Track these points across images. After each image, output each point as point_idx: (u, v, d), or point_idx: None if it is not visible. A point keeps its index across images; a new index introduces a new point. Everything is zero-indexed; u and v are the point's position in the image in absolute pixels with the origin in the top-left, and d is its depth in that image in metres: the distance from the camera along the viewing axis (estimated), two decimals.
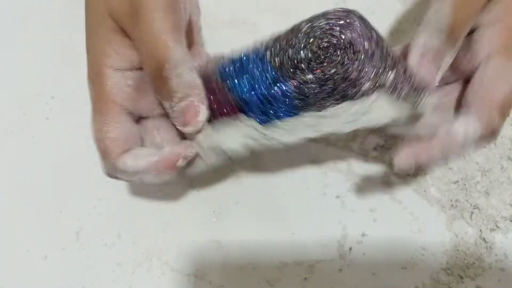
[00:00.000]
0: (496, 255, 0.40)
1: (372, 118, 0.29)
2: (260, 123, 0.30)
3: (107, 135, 0.31)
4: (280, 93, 0.29)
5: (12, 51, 0.44)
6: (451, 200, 0.41)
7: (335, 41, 0.28)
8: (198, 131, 0.30)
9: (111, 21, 0.31)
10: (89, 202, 0.40)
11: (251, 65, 0.30)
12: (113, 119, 0.31)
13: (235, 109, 0.30)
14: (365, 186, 0.42)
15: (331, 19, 0.29)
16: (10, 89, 0.42)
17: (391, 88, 0.29)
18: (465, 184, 0.41)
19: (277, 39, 0.30)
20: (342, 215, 0.41)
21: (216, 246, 0.40)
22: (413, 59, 0.31)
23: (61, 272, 0.38)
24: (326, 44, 0.28)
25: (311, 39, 0.29)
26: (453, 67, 0.33)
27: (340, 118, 0.29)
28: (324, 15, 0.29)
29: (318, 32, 0.29)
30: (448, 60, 0.31)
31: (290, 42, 0.29)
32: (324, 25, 0.29)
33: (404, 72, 0.30)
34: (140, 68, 0.32)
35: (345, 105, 0.29)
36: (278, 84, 0.29)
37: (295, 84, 0.28)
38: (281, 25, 0.45)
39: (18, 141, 0.41)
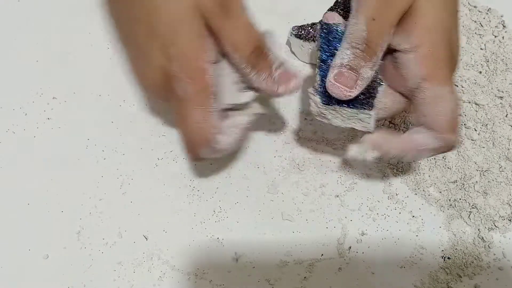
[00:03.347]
0: (494, 254, 0.40)
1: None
2: (322, 103, 0.35)
3: (211, 123, 0.34)
4: None
5: (13, 51, 0.44)
6: (449, 200, 0.42)
7: None
8: (292, 92, 0.35)
9: (200, 16, 0.33)
10: (90, 202, 0.40)
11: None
12: (214, 109, 0.34)
13: None
14: (364, 185, 0.42)
15: None
16: (12, 89, 0.43)
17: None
18: (463, 184, 0.41)
19: None
20: (341, 214, 0.41)
21: (216, 246, 0.40)
22: (329, 80, 0.35)
23: (62, 271, 0.38)
24: None
25: None
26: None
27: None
28: None
29: None
30: (366, 72, 0.34)
31: None
32: None
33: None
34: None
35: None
36: None
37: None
38: (281, 25, 0.46)
39: (19, 141, 0.41)
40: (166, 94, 0.35)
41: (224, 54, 0.35)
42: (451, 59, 0.35)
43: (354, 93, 0.34)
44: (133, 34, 0.36)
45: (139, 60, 0.37)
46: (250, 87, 0.36)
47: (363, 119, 0.35)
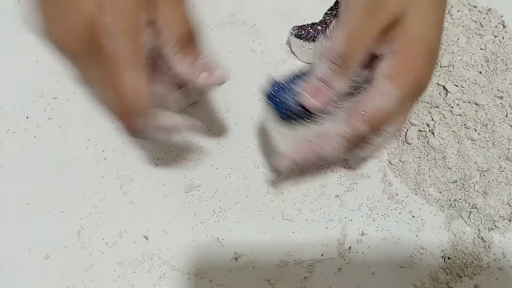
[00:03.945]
0: (494, 254, 0.40)
1: None
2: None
3: (143, 89, 0.32)
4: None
5: (14, 52, 0.44)
6: (449, 200, 0.42)
7: None
8: (215, 83, 0.34)
9: None
10: (91, 202, 0.40)
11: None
12: (146, 75, 0.32)
13: None
14: (364, 185, 0.42)
15: None
16: (12, 89, 0.43)
17: None
18: (463, 184, 0.41)
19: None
20: (341, 214, 0.41)
21: (216, 246, 0.40)
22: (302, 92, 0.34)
23: (63, 271, 0.38)
24: None
25: None
26: None
27: None
28: None
29: None
30: (339, 84, 0.34)
31: None
32: None
33: None
34: None
35: None
36: None
37: None
38: (281, 25, 0.46)
39: (20, 142, 0.41)
40: (86, 49, 0.32)
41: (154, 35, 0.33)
42: (422, 76, 0.34)
43: (319, 105, 0.34)
44: None
45: (60, 2, 0.32)
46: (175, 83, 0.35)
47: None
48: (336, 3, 0.44)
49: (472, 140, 0.42)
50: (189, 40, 0.34)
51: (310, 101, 0.34)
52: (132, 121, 0.33)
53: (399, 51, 0.34)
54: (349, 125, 0.33)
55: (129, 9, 0.31)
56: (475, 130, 0.42)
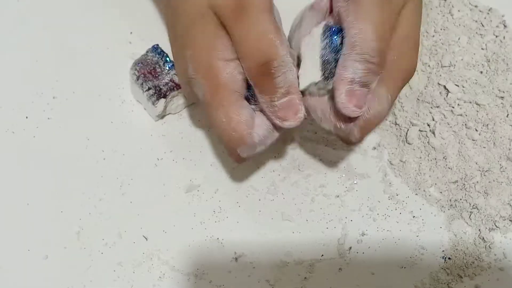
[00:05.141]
0: (495, 255, 0.40)
1: None
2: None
3: (239, 121, 0.32)
4: None
5: (13, 51, 0.44)
6: (450, 200, 0.41)
7: None
8: (289, 127, 0.33)
9: (214, 15, 0.32)
10: (90, 202, 0.40)
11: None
12: (239, 106, 0.32)
13: None
14: (364, 185, 0.42)
15: None
16: (11, 89, 0.43)
17: None
18: (464, 184, 0.41)
19: None
20: (341, 214, 0.41)
21: (216, 246, 0.40)
22: (341, 99, 0.31)
23: (62, 271, 0.38)
24: None
25: None
26: None
27: None
28: None
29: None
30: (374, 84, 0.32)
31: None
32: None
33: None
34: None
35: None
36: None
37: None
38: (282, 25, 0.45)
39: (19, 142, 0.41)
40: (194, 98, 0.34)
41: None
42: (409, 73, 0.34)
43: (363, 110, 0.32)
44: (169, 36, 0.35)
45: (176, 68, 0.36)
46: None
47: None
48: None
49: (473, 140, 0.42)
50: (265, 72, 0.31)
51: (355, 111, 0.31)
52: (237, 156, 0.34)
53: (392, 49, 0.33)
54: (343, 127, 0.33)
55: (203, 52, 0.32)
56: (476, 130, 0.42)
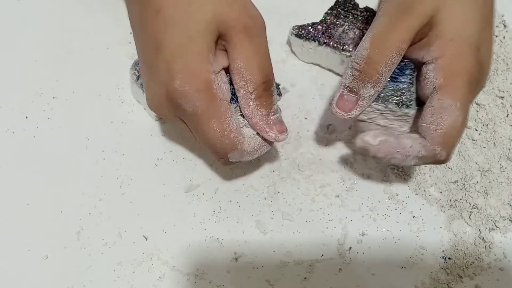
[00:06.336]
0: (495, 255, 0.40)
1: None
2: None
3: (231, 130, 0.34)
4: None
5: (13, 52, 0.44)
6: (450, 200, 0.41)
7: None
8: (278, 141, 0.36)
9: (215, 30, 0.33)
10: (90, 202, 0.40)
11: None
12: (229, 115, 0.34)
13: None
14: (364, 185, 0.42)
15: None
16: (12, 89, 0.43)
17: None
18: (464, 184, 0.41)
19: None
20: (341, 214, 0.41)
21: (216, 246, 0.40)
22: (333, 101, 0.36)
23: (62, 271, 0.38)
24: None
25: None
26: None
27: None
28: None
29: None
30: (368, 91, 0.34)
31: None
32: None
33: None
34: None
35: None
36: None
37: None
38: (282, 25, 0.46)
39: (19, 141, 0.41)
40: (173, 113, 0.34)
41: (227, 70, 0.35)
42: (472, 74, 0.33)
43: (353, 114, 0.35)
44: (143, 48, 0.35)
45: (146, 76, 0.36)
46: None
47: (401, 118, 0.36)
48: (337, 3, 0.44)
49: (473, 140, 0.42)
50: (267, 88, 0.34)
51: (346, 116, 0.35)
52: (226, 159, 0.35)
53: (440, 56, 0.33)
54: (426, 149, 0.34)
55: (198, 66, 0.33)
56: (476, 130, 0.42)
